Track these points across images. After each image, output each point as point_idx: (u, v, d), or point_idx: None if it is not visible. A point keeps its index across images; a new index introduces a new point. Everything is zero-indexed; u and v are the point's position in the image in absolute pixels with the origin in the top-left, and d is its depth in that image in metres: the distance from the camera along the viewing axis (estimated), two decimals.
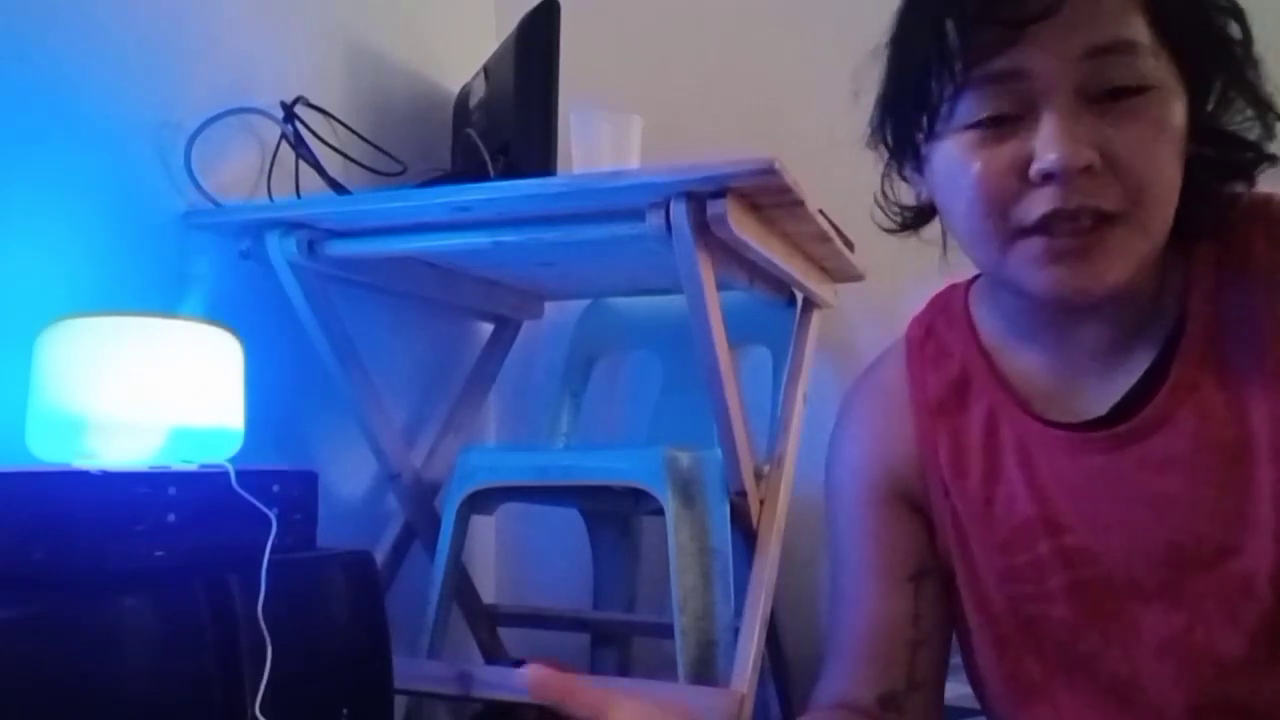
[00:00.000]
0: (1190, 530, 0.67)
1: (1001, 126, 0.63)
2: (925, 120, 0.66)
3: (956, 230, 0.69)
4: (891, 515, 0.80)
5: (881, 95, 0.71)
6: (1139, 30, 0.60)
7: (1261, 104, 0.65)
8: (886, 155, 0.74)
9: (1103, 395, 0.71)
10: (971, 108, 0.63)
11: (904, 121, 0.69)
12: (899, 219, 0.80)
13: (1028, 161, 0.61)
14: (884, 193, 0.79)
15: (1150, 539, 0.68)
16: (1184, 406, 0.67)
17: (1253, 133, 0.66)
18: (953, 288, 0.83)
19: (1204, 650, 0.66)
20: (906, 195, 0.79)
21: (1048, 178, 0.60)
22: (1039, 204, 0.61)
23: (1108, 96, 0.60)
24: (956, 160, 0.64)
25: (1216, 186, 0.67)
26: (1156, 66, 0.61)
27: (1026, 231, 0.63)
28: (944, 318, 0.81)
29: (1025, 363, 0.75)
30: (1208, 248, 0.69)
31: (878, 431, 0.81)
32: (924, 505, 0.79)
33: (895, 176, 0.77)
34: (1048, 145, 0.60)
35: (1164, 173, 0.62)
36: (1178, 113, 0.62)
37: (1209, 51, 0.64)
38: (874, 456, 0.81)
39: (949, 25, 0.62)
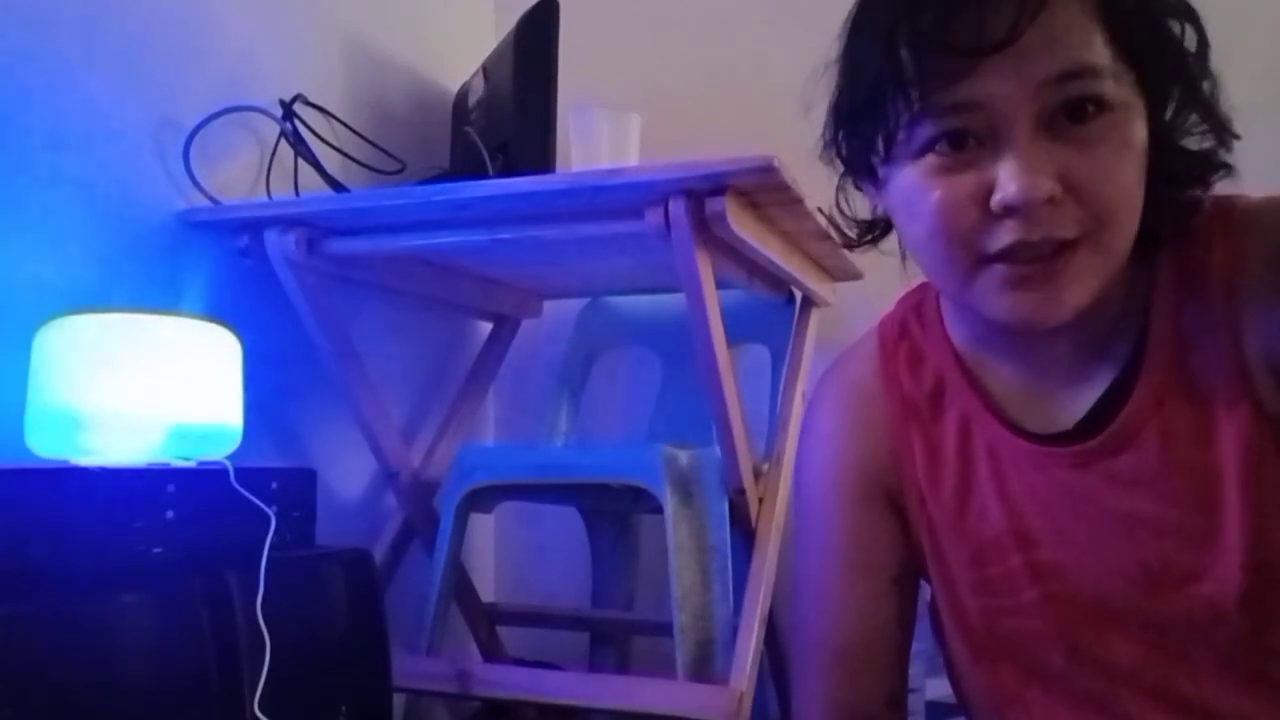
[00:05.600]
0: (1158, 551, 0.66)
1: (961, 153, 0.61)
2: (882, 144, 0.64)
3: (916, 255, 0.68)
4: (873, 514, 0.79)
5: (834, 109, 0.69)
6: (1099, 52, 0.59)
7: (1214, 119, 0.64)
8: (840, 168, 0.72)
9: (1070, 408, 0.70)
10: (929, 135, 0.61)
11: (860, 142, 0.67)
12: (855, 233, 0.78)
13: (988, 191, 0.60)
14: (838, 205, 0.77)
15: (1118, 558, 0.67)
16: (1149, 425, 0.66)
17: (1208, 141, 0.65)
18: (924, 286, 0.81)
19: (1177, 672, 0.66)
20: (862, 208, 0.77)
21: (1009, 210, 0.59)
22: (1001, 236, 0.60)
23: (1069, 121, 0.59)
24: (915, 187, 0.63)
25: (1175, 193, 0.66)
26: (1117, 87, 0.59)
27: (988, 259, 0.62)
28: (917, 318, 0.80)
29: (997, 371, 0.74)
30: (1170, 257, 0.67)
31: (854, 429, 0.80)
32: (900, 507, 0.78)
33: (850, 189, 0.75)
34: (1009, 178, 0.58)
35: (1127, 193, 0.61)
36: (1139, 131, 0.61)
37: (1166, 64, 0.63)
38: (851, 455, 0.80)
39: (903, 51, 0.60)
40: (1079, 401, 0.70)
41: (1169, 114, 0.64)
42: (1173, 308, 0.67)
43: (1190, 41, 0.63)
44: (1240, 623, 0.64)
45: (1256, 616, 0.63)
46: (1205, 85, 0.64)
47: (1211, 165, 0.66)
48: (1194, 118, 0.65)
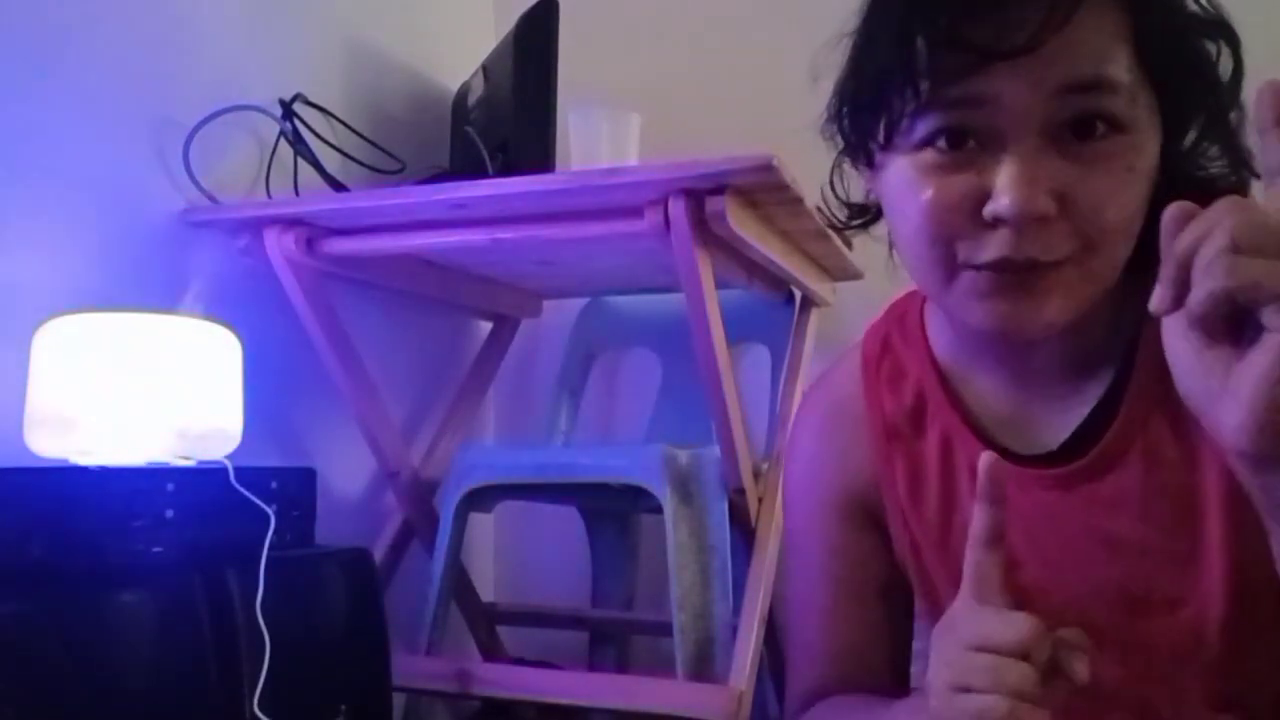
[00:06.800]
0: (1140, 575, 0.65)
1: (960, 152, 0.59)
2: (882, 131, 0.62)
3: (900, 250, 0.66)
4: (857, 535, 0.78)
5: (839, 88, 0.67)
6: (1121, 68, 0.56)
7: (1236, 155, 0.62)
8: (840, 144, 0.70)
9: (1055, 427, 0.68)
10: (931, 128, 0.59)
11: (861, 125, 0.65)
12: (845, 215, 0.77)
13: (982, 197, 0.58)
14: (832, 185, 0.75)
15: (1101, 580, 0.66)
16: (1133, 447, 0.65)
17: (1224, 167, 0.63)
18: (910, 296, 0.80)
19: (1160, 694, 0.65)
20: (856, 190, 0.75)
21: (1000, 221, 0.57)
22: (988, 248, 0.58)
23: (1076, 137, 0.57)
24: (908, 182, 0.61)
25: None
26: (1132, 108, 0.57)
27: (971, 267, 0.60)
28: (899, 331, 0.79)
29: (979, 386, 0.72)
30: None
31: (837, 450, 0.79)
32: (884, 526, 0.77)
33: (846, 168, 0.73)
34: (1005, 189, 0.56)
35: (1124, 221, 0.59)
36: (1148, 156, 0.59)
37: (1191, 92, 0.60)
38: (834, 475, 0.79)
39: (918, 42, 0.57)
40: (1063, 422, 0.68)
41: (1187, 141, 0.62)
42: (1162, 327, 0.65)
43: (1224, 66, 0.60)
44: (1222, 647, 0.63)
45: (1238, 641, 0.62)
46: (1232, 117, 0.61)
47: (1224, 192, 0.63)
48: (1214, 148, 0.62)
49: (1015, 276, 0.59)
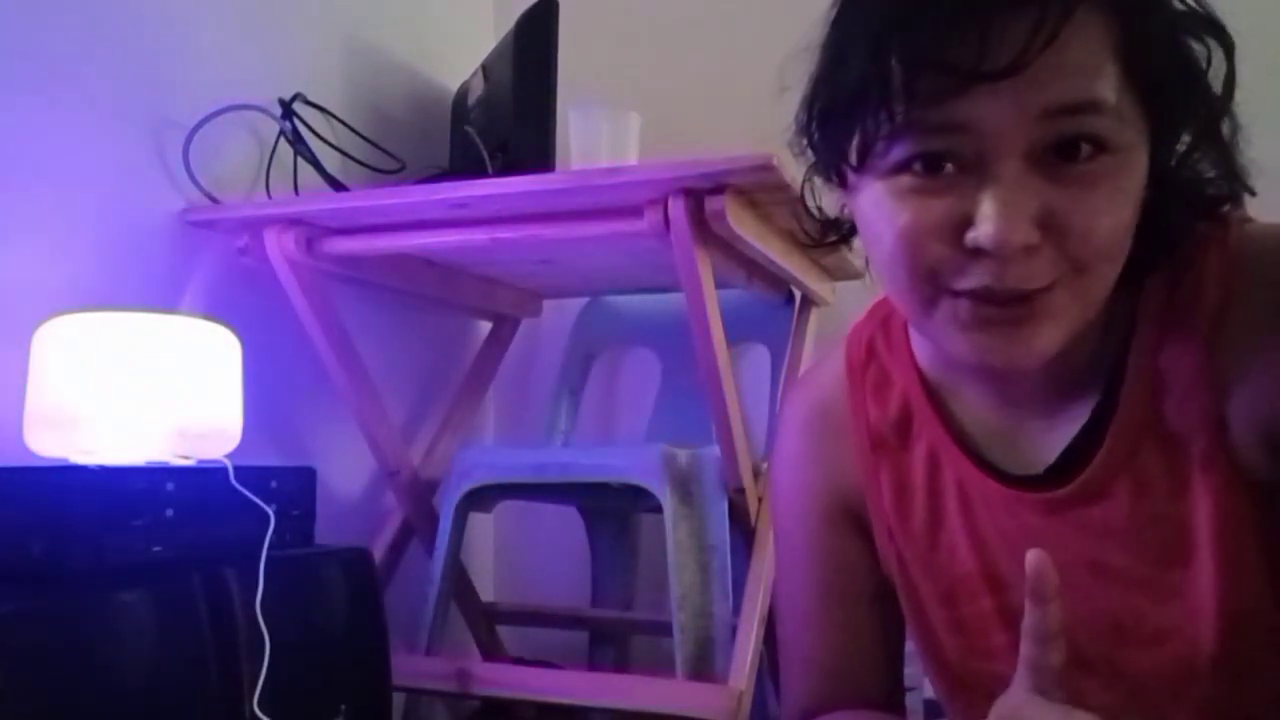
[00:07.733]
0: (1130, 605, 0.64)
1: (938, 177, 0.55)
2: (854, 154, 0.58)
3: (877, 274, 0.63)
4: (844, 542, 0.76)
5: (808, 103, 0.63)
6: (1109, 86, 0.53)
7: (1229, 167, 0.60)
8: (810, 158, 0.66)
9: (1043, 447, 0.66)
10: (907, 153, 0.55)
11: (832, 144, 0.61)
12: (818, 232, 0.73)
13: (962, 223, 0.55)
14: (802, 200, 0.72)
15: (1089, 608, 0.65)
16: (1121, 476, 0.62)
17: (1216, 175, 0.61)
18: None
19: None
20: (830, 203, 0.72)
21: (982, 250, 0.54)
22: (968, 276, 0.55)
23: (1061, 159, 0.53)
24: (884, 206, 0.58)
25: (1171, 223, 0.61)
26: (1120, 126, 0.54)
27: (952, 293, 0.57)
28: (884, 335, 0.76)
29: (966, 401, 0.70)
30: (1157, 286, 0.62)
31: (820, 459, 0.77)
32: (871, 536, 0.76)
33: (818, 181, 0.69)
34: (987, 218, 0.53)
35: (1113, 243, 0.56)
36: (1136, 175, 0.56)
37: (1182, 107, 0.58)
38: (819, 484, 0.77)
39: (893, 63, 0.54)
40: (1051, 441, 0.66)
41: (1179, 150, 0.59)
42: (1153, 346, 0.62)
43: (1216, 71, 0.57)
44: (1214, 681, 0.61)
45: (1231, 675, 0.61)
46: (1225, 127, 0.59)
47: (1217, 201, 0.61)
48: (1206, 158, 0.60)
49: (999, 308, 0.56)
